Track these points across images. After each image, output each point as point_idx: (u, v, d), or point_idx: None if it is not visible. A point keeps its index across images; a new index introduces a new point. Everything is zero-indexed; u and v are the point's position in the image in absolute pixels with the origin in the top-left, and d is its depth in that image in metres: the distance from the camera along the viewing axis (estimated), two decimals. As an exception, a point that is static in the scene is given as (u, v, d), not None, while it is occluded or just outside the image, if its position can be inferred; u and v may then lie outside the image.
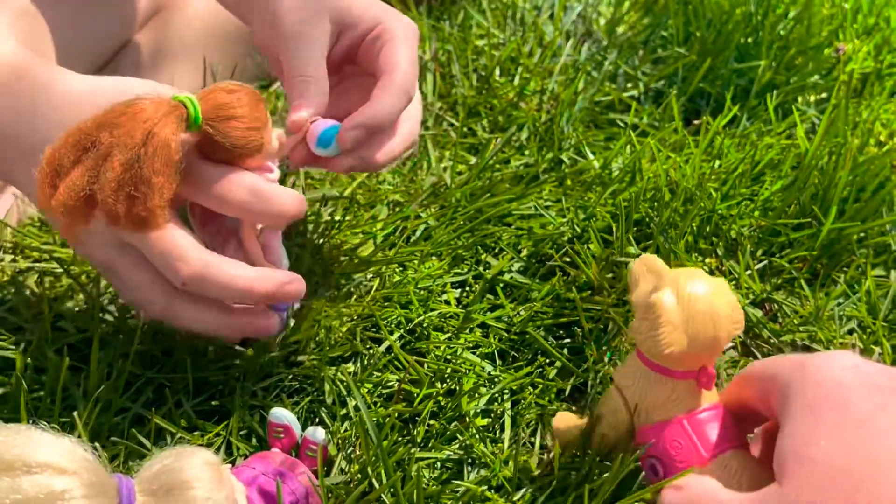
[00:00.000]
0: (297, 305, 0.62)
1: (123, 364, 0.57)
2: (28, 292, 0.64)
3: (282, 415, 0.54)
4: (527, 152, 0.82)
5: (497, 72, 0.92)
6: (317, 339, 0.62)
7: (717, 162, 0.76)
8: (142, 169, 0.48)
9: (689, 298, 0.46)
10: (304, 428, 0.55)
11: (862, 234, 0.73)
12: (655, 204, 0.72)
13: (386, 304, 0.65)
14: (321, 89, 0.58)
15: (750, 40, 0.91)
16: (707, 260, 0.71)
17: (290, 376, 0.60)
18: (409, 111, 0.62)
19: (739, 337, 0.66)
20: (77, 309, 0.62)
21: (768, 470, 0.44)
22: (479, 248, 0.72)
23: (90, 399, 0.55)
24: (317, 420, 0.59)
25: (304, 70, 0.58)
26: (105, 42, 0.80)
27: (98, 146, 0.48)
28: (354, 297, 0.66)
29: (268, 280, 0.53)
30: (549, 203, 0.76)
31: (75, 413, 0.53)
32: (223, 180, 0.53)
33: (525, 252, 0.72)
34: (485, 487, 0.53)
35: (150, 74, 0.86)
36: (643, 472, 0.52)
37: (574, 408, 0.61)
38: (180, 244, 0.51)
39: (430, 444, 0.56)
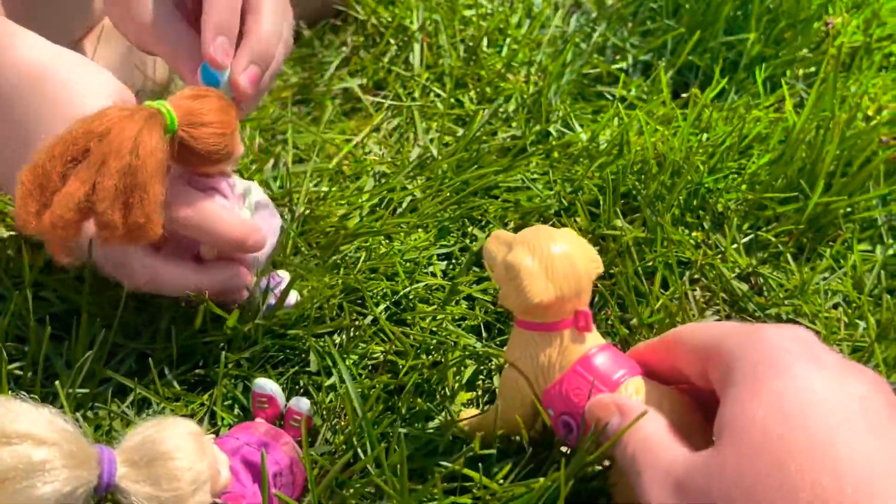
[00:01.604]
0: (282, 283, 0.62)
1: (107, 334, 0.57)
2: (9, 262, 0.63)
3: (266, 385, 0.54)
4: (514, 124, 0.82)
5: (485, 42, 0.91)
6: (303, 310, 0.62)
7: (705, 135, 0.76)
8: (136, 176, 0.47)
9: (541, 249, 0.48)
10: (288, 398, 0.55)
11: (848, 209, 0.73)
12: (643, 177, 0.72)
13: (372, 275, 0.65)
14: (192, 52, 0.56)
15: (739, 13, 0.90)
16: (693, 233, 0.71)
17: (276, 346, 0.60)
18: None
19: (725, 310, 0.66)
20: (58, 278, 0.61)
21: (672, 392, 0.47)
22: (466, 220, 0.71)
23: (73, 369, 0.55)
24: (301, 391, 0.58)
25: (168, 51, 0.57)
26: (84, 14, 0.79)
27: (89, 156, 0.47)
28: (341, 269, 0.66)
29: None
30: (536, 176, 0.76)
31: (57, 383, 0.53)
32: (177, 199, 0.53)
33: (512, 225, 0.71)
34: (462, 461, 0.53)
35: (131, 50, 0.84)
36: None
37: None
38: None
39: (413, 420, 0.56)
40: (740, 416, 0.39)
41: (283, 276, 0.63)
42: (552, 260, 0.48)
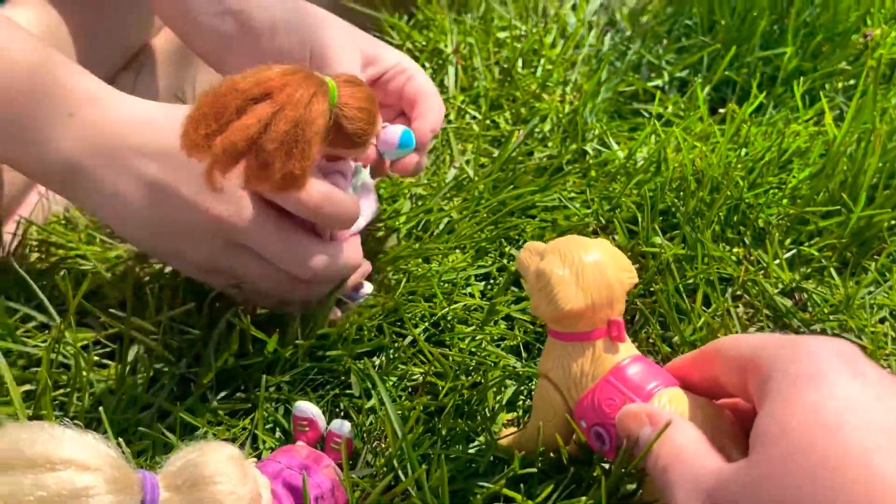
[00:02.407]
0: (366, 295, 0.65)
1: (149, 359, 0.57)
2: (53, 289, 0.65)
3: (306, 408, 0.54)
4: (550, 144, 0.82)
5: (519, 63, 0.91)
6: (343, 333, 0.62)
7: (744, 150, 0.75)
8: (305, 130, 0.50)
9: (572, 257, 0.48)
10: (329, 421, 0.55)
11: (893, 222, 0.71)
12: (681, 193, 0.71)
13: (410, 297, 0.65)
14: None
15: (775, 27, 0.90)
16: (735, 249, 0.70)
17: (316, 369, 0.60)
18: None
19: (769, 327, 0.65)
20: (101, 305, 0.62)
21: (709, 404, 0.46)
22: (503, 240, 0.71)
23: (116, 395, 0.56)
24: (342, 413, 0.58)
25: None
26: (123, 46, 0.80)
27: (269, 98, 0.50)
28: (382, 291, 0.66)
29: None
30: (573, 194, 0.75)
31: (101, 408, 0.53)
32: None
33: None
34: (503, 482, 0.53)
35: (170, 78, 0.86)
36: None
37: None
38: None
39: (454, 441, 0.56)
40: (774, 426, 0.39)
41: (367, 286, 0.66)
42: (583, 268, 0.47)
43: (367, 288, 0.66)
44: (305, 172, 0.51)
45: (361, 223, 0.62)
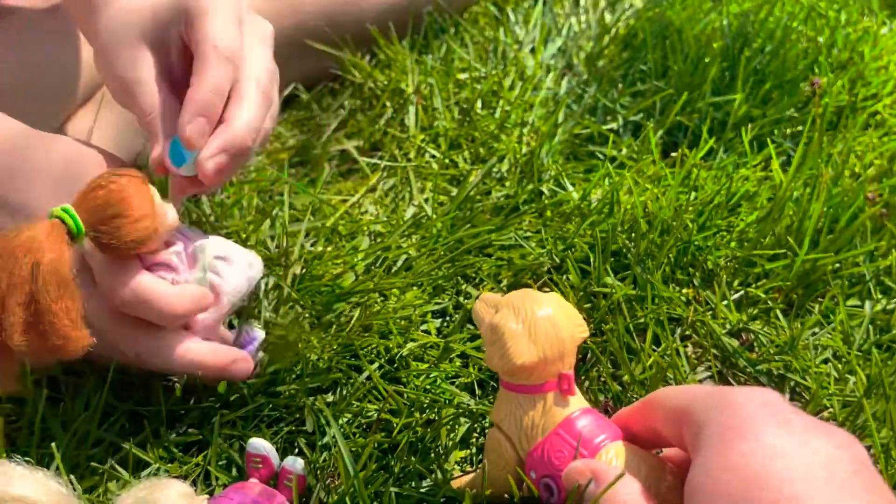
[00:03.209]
0: (259, 340, 0.63)
1: (100, 395, 0.57)
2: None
3: (259, 445, 0.54)
4: (507, 183, 0.83)
5: (479, 104, 0.93)
6: (296, 368, 0.63)
7: (694, 194, 0.78)
8: (39, 303, 0.46)
9: (525, 310, 0.49)
10: (283, 457, 0.55)
11: (837, 265, 0.74)
12: (633, 235, 0.73)
13: (366, 333, 0.66)
14: (168, 119, 0.56)
15: (727, 73, 0.92)
16: (684, 290, 0.72)
17: (270, 405, 0.61)
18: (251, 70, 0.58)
19: (716, 366, 0.66)
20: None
21: (651, 458, 0.47)
22: (460, 278, 0.72)
23: (69, 431, 0.55)
24: (296, 450, 0.59)
25: (144, 112, 0.57)
26: (88, 79, 0.81)
27: None
28: (334, 326, 0.66)
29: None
30: (528, 234, 0.77)
31: (53, 444, 0.53)
32: (111, 281, 0.53)
33: (505, 282, 0.72)
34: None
35: (129, 118, 0.86)
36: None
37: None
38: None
39: (406, 479, 0.56)
40: (707, 480, 0.40)
41: (258, 334, 0.63)
42: (536, 323, 0.49)
43: (259, 335, 0.63)
44: (69, 336, 0.47)
45: (226, 301, 0.58)
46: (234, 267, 0.59)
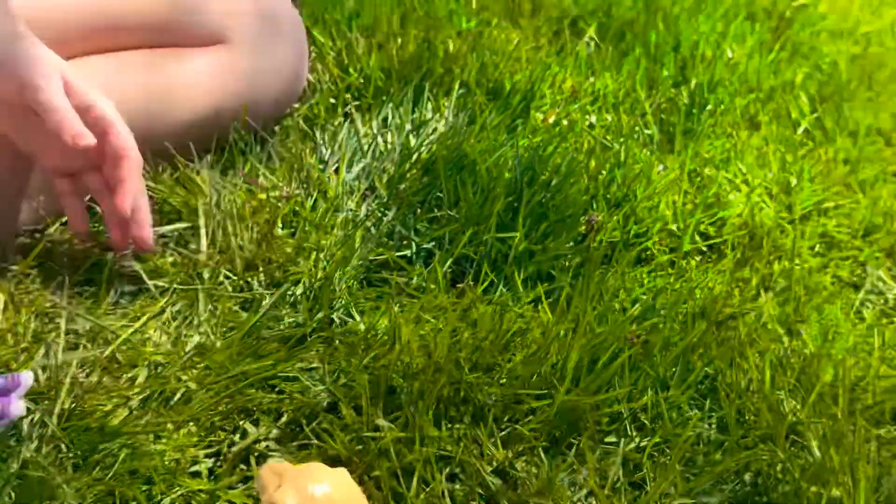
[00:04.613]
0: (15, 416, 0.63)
1: None
2: None
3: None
4: (300, 307, 0.85)
5: (279, 225, 0.95)
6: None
7: (470, 331, 0.82)
8: None
9: (304, 488, 0.55)
10: None
11: (596, 404, 0.79)
12: (409, 370, 0.76)
13: (132, 476, 0.65)
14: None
15: (513, 207, 0.98)
16: (456, 425, 0.75)
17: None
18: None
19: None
20: None
21: None
22: (239, 414, 0.73)
23: None
24: None
25: None
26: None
27: None
28: (98, 469, 0.65)
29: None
30: (315, 365, 0.79)
31: None
32: None
33: (285, 418, 0.74)
34: None
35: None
36: None
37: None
38: None
39: None
40: None
41: (24, 379, 0.64)
42: (313, 501, 0.54)
43: (19, 409, 0.64)
44: None
45: None
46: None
